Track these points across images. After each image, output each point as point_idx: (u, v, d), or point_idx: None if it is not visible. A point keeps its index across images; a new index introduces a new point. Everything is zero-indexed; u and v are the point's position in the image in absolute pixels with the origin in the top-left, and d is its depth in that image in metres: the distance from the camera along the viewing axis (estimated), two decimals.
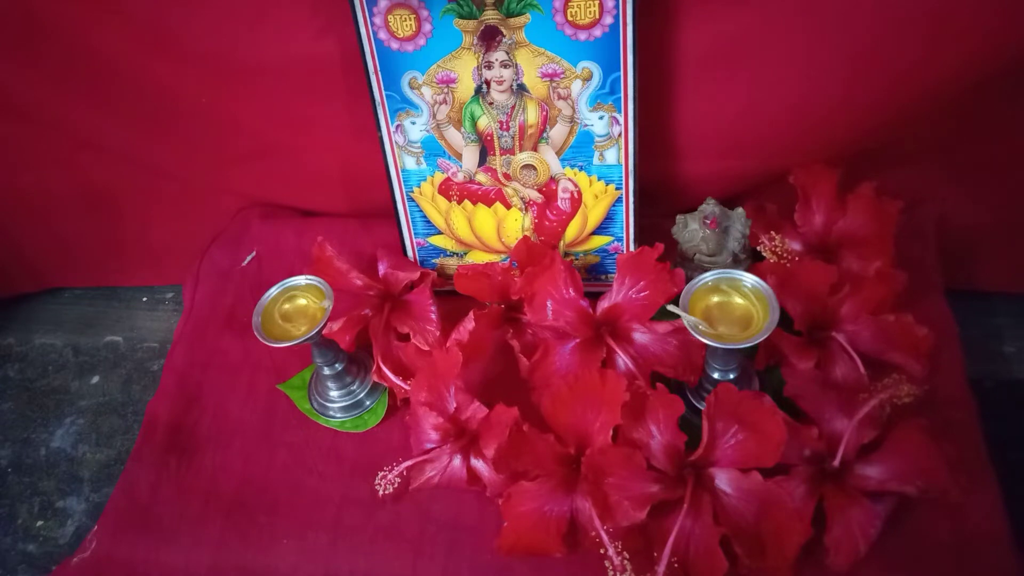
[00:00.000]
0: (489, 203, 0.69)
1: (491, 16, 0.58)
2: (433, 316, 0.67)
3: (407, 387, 0.63)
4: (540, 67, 0.61)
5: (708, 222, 0.63)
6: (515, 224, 0.70)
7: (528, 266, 0.64)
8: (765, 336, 0.53)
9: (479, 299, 0.67)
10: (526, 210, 0.69)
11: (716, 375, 0.58)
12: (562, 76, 0.61)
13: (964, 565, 0.53)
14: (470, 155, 0.67)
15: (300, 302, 0.64)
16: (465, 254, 0.73)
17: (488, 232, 0.71)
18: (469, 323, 0.62)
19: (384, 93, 0.64)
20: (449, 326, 0.64)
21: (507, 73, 0.61)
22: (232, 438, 0.68)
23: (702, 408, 0.53)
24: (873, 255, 0.63)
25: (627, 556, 0.50)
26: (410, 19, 0.59)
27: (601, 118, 0.62)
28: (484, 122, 0.64)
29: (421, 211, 0.71)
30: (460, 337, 0.62)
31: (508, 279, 0.66)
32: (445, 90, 0.63)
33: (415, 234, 0.73)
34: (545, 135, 0.64)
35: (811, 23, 0.59)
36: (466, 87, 0.62)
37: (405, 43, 0.60)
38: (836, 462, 0.53)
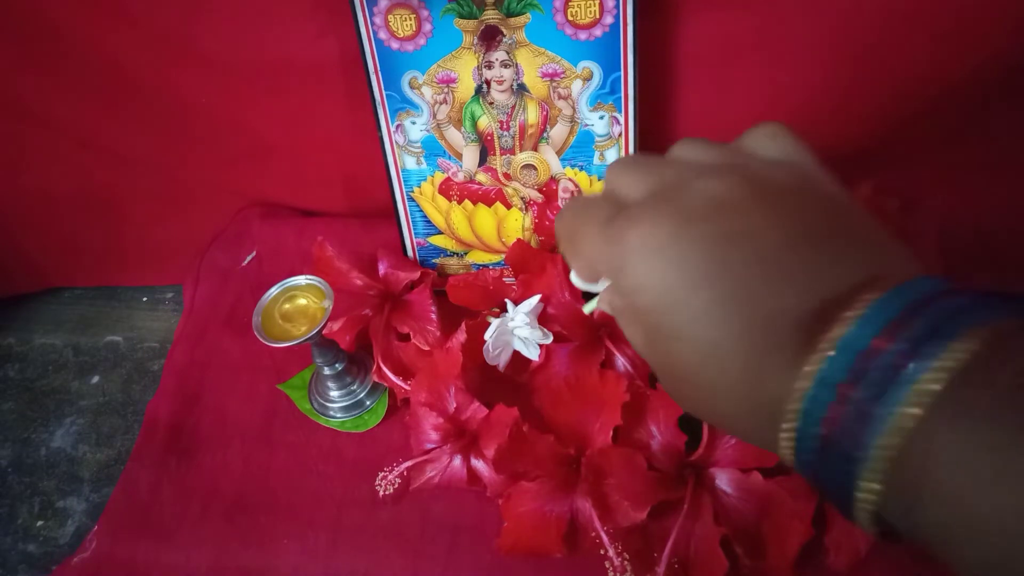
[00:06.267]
0: (489, 203, 0.69)
1: (491, 16, 0.58)
2: (433, 316, 0.67)
3: (407, 387, 0.63)
4: (540, 67, 0.61)
5: None
6: (515, 224, 0.70)
7: (523, 269, 0.64)
8: None
9: (472, 309, 0.67)
10: (526, 210, 0.69)
11: None
12: (562, 76, 0.61)
13: None
14: (470, 155, 0.67)
15: (300, 302, 0.64)
16: (465, 254, 0.73)
17: (488, 232, 0.71)
18: (462, 335, 0.61)
19: (384, 93, 0.64)
20: (450, 326, 0.64)
21: (507, 73, 0.61)
22: (232, 438, 0.68)
23: None
24: None
25: (627, 557, 0.50)
26: (410, 19, 0.59)
27: (601, 118, 0.62)
28: (484, 122, 0.64)
29: (421, 211, 0.71)
30: (459, 338, 0.62)
31: (500, 287, 0.66)
32: (445, 90, 0.63)
33: (415, 234, 0.73)
34: (545, 135, 0.64)
35: (811, 23, 0.59)
36: (466, 87, 0.62)
37: (405, 43, 0.60)
38: None
